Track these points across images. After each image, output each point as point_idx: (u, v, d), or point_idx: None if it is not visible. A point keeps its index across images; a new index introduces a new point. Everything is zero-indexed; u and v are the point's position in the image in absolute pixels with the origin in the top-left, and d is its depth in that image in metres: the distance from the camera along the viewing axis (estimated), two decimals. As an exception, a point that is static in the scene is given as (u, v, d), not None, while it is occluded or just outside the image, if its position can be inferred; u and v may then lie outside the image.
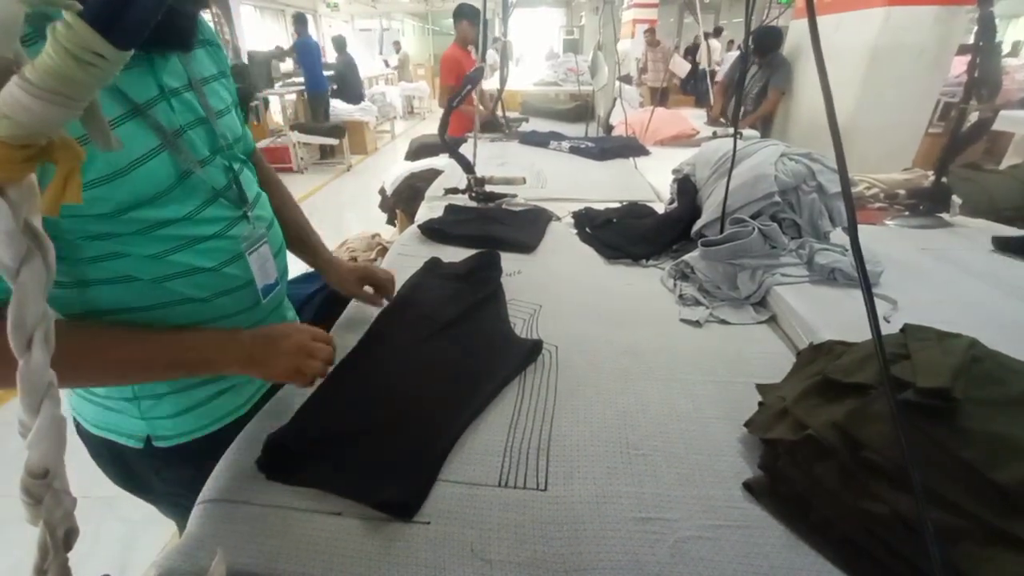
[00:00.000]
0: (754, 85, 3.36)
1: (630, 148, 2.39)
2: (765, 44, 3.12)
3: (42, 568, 0.29)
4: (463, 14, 2.01)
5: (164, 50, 0.58)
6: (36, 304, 0.25)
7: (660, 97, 4.46)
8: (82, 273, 0.56)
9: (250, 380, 0.76)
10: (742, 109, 3.69)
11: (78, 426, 0.73)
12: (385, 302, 0.95)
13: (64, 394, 0.75)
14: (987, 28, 1.22)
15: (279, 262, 0.76)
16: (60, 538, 0.29)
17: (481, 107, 3.00)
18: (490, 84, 3.52)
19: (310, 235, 0.91)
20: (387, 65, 11.04)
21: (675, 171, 1.43)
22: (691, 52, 4.96)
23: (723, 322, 0.96)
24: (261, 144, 4.80)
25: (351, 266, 0.94)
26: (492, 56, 3.59)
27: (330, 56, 6.90)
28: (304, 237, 0.90)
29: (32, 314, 0.24)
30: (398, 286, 0.98)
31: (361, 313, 0.95)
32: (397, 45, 12.42)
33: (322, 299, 1.09)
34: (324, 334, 0.69)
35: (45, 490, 0.29)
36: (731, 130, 1.16)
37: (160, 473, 0.70)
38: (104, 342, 0.58)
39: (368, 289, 0.94)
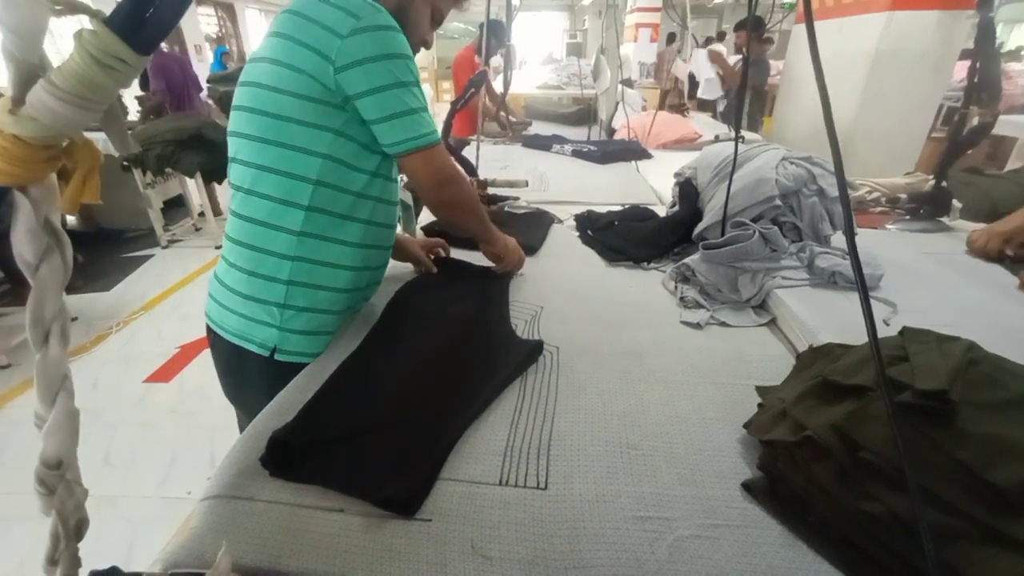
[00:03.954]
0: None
1: (632, 151, 2.40)
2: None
3: (54, 557, 0.30)
4: (492, 31, 2.13)
5: None
6: (54, 299, 0.25)
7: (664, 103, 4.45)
8: (320, 174, 0.82)
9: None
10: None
11: (216, 337, 0.92)
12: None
13: (201, 307, 0.94)
14: (987, 34, 1.22)
15: None
16: (72, 528, 0.30)
17: (489, 104, 3.02)
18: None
19: None
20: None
21: (677, 174, 1.44)
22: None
23: (724, 324, 0.96)
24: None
25: (416, 239, 1.21)
26: (497, 60, 3.61)
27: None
28: None
29: (50, 309, 0.25)
30: (398, 287, 0.99)
31: (364, 313, 0.96)
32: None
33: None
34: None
35: (58, 480, 0.29)
36: (734, 133, 1.17)
37: (272, 389, 0.77)
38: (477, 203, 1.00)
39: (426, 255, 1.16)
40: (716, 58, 3.96)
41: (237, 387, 0.98)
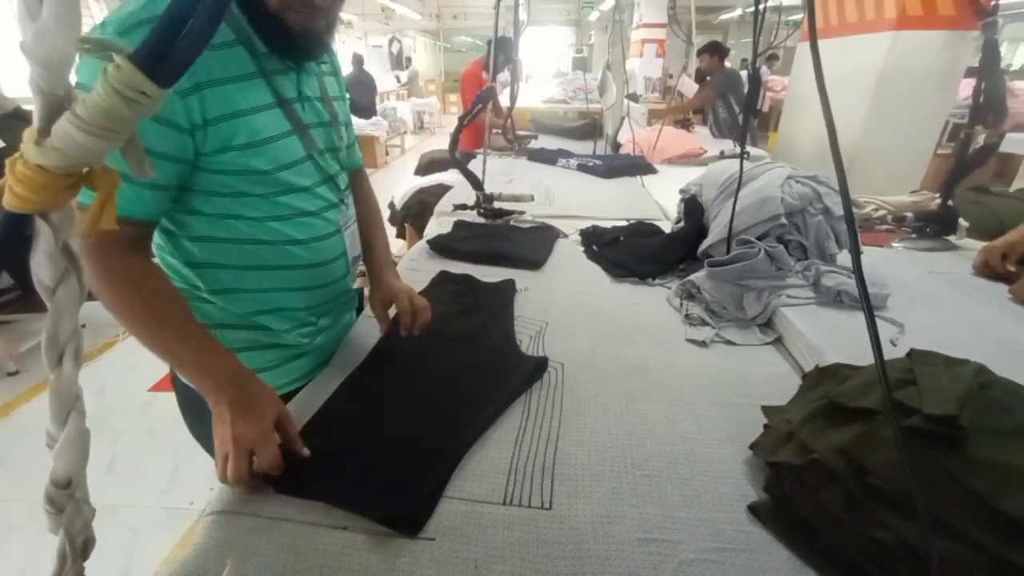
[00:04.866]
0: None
1: (637, 166, 2.41)
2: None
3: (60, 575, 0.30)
4: (500, 47, 2.20)
5: (302, 62, 0.76)
6: (70, 321, 0.26)
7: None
8: (199, 229, 0.73)
9: (311, 351, 0.88)
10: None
11: (175, 375, 0.89)
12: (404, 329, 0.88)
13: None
14: (991, 55, 1.23)
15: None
16: (79, 547, 0.30)
17: (495, 118, 3.04)
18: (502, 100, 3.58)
19: (372, 248, 0.99)
20: (399, 81, 11.28)
21: (682, 191, 1.44)
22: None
23: (729, 343, 0.96)
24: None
25: (389, 285, 0.91)
26: (504, 75, 3.66)
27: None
28: (367, 247, 1.00)
29: (65, 331, 0.26)
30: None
31: (369, 327, 0.96)
32: (408, 60, 12.65)
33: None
34: (293, 439, 0.62)
35: (67, 500, 0.30)
36: (739, 150, 1.17)
37: None
38: (152, 315, 0.64)
39: (389, 312, 0.90)
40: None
41: (197, 427, 0.94)
